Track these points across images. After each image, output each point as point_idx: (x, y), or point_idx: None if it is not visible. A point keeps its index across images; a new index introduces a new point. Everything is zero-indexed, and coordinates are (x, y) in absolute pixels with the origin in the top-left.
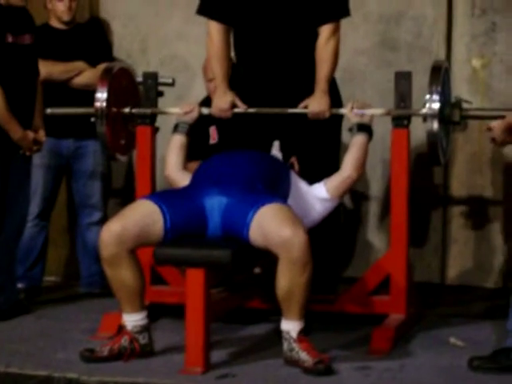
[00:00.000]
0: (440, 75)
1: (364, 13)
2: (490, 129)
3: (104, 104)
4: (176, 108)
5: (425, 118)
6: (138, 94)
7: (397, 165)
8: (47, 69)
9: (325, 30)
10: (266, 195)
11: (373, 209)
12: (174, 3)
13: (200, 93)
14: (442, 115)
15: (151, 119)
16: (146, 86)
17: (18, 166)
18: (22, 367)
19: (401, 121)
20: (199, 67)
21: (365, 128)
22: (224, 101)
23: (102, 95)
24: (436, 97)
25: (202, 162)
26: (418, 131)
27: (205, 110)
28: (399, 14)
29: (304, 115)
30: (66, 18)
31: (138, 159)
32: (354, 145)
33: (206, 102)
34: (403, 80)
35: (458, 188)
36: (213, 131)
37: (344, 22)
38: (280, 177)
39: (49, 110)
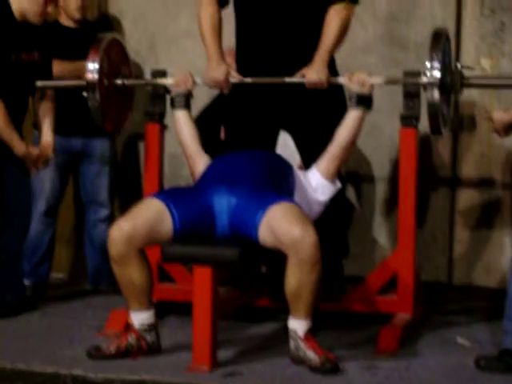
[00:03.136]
0: (441, 42)
1: (373, 12)
2: (490, 118)
3: (96, 75)
4: (169, 79)
5: (425, 86)
6: (130, 65)
7: (405, 165)
8: (58, 68)
9: (335, 9)
10: (274, 194)
11: (380, 208)
12: (182, 1)
13: (208, 90)
14: (442, 84)
15: (160, 117)
16: (155, 83)
17: (12, 164)
18: (29, 364)
19: (409, 120)
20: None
21: (364, 100)
22: (218, 71)
23: (93, 66)
24: (437, 64)
25: (210, 162)
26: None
27: (198, 80)
28: (408, 13)
29: (308, 105)
30: (77, 15)
31: (146, 157)
32: (348, 121)
33: (219, 99)
34: (412, 79)
35: (465, 190)
36: (223, 129)
37: (353, 21)
38: (285, 175)
39: (39, 83)
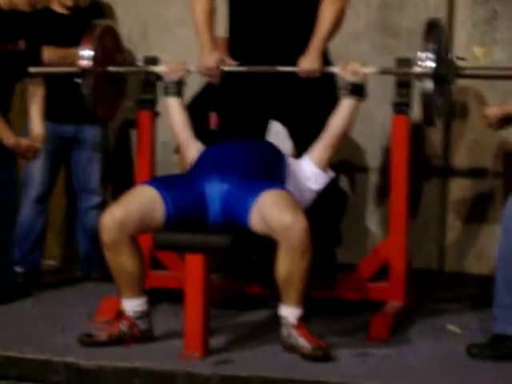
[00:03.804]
0: (435, 32)
1: None
2: (484, 114)
3: (90, 62)
4: (162, 66)
5: (419, 77)
6: (124, 52)
7: (397, 153)
8: (50, 55)
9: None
10: (265, 181)
11: (372, 196)
12: None
13: (200, 79)
14: (436, 74)
15: (151, 104)
16: (149, 71)
17: None
18: (21, 351)
19: (401, 107)
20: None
21: (358, 89)
22: (211, 59)
23: (87, 53)
24: (431, 55)
25: (203, 149)
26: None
27: (192, 68)
28: (400, 0)
29: (301, 93)
30: (70, 2)
31: (138, 144)
32: (341, 110)
33: (207, 88)
34: (405, 69)
35: (457, 178)
36: (213, 117)
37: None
38: (278, 163)
39: (32, 69)
